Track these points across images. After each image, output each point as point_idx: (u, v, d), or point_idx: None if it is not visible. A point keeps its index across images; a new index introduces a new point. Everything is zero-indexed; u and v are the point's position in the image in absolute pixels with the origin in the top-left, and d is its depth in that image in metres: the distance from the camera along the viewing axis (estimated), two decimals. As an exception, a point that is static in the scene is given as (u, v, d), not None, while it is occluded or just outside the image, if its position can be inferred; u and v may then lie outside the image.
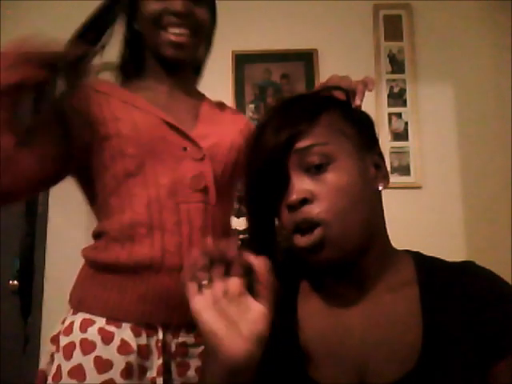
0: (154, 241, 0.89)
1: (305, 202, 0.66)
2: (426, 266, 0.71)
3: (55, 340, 0.91)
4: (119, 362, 0.85)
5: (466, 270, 0.70)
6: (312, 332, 0.70)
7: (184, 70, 1.06)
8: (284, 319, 0.71)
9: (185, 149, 0.94)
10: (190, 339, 0.93)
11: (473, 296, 0.66)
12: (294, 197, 0.66)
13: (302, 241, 0.66)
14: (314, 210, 0.66)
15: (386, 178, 0.73)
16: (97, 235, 0.95)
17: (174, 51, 0.98)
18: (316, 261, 0.67)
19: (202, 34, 1.02)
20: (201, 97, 1.11)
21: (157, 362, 0.88)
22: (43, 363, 0.92)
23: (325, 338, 0.69)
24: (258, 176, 0.70)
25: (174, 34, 0.96)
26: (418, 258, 0.73)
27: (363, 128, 0.73)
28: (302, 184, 0.67)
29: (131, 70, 1.06)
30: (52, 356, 0.91)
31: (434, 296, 0.67)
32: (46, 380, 0.89)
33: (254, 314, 0.56)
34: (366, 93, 0.84)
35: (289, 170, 0.68)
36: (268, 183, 0.69)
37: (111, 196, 0.93)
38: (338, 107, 0.73)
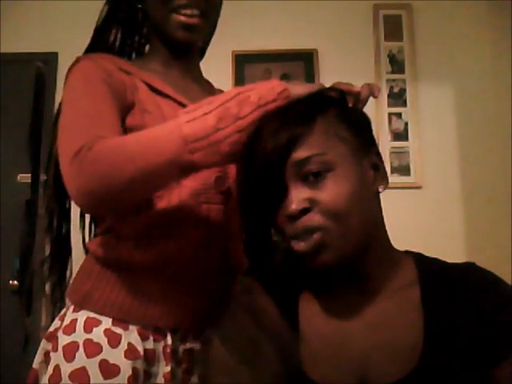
0: (170, 242, 0.84)
1: (304, 211, 0.66)
2: (428, 268, 0.71)
3: (51, 337, 0.85)
4: (126, 368, 0.79)
5: (468, 271, 0.70)
6: (313, 334, 0.70)
7: (192, 54, 1.00)
8: (285, 321, 0.71)
9: None
10: (197, 345, 0.88)
11: (474, 298, 0.66)
12: (294, 207, 0.66)
13: (300, 246, 0.66)
14: (314, 217, 0.66)
15: (384, 179, 0.73)
16: (105, 231, 0.88)
17: (185, 33, 0.92)
18: (315, 264, 0.67)
19: (213, 15, 0.97)
20: (209, 85, 1.05)
21: (164, 368, 0.84)
22: (36, 362, 0.86)
23: (326, 340, 0.69)
24: (254, 183, 0.70)
25: (186, 15, 0.90)
26: (419, 260, 0.73)
27: (360, 129, 0.72)
28: (300, 194, 0.66)
29: (128, 50, 1.01)
30: (47, 355, 0.84)
31: (436, 298, 0.68)
32: (38, 380, 0.83)
33: None
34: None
35: (286, 179, 0.67)
36: (264, 191, 0.69)
37: None
38: (333, 109, 0.72)
